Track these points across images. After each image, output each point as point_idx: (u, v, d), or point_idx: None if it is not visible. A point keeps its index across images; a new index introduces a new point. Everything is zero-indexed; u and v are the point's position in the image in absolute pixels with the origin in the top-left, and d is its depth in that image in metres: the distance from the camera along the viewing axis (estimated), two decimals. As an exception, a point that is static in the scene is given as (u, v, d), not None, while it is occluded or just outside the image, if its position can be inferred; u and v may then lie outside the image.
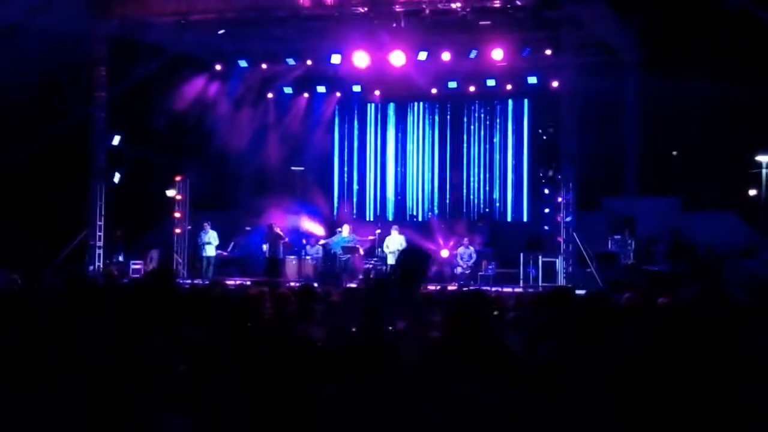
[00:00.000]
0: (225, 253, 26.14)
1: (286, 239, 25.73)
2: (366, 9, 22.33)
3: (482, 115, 28.82)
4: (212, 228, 25.71)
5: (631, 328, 7.41)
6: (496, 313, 8.98)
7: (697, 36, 23.95)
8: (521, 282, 22.75)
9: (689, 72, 23.87)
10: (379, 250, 25.23)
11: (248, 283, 16.81)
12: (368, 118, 30.08)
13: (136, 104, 25.96)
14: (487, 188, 28.59)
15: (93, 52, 24.48)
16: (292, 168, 28.98)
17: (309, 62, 26.76)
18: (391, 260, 24.59)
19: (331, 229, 27.15)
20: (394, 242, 24.78)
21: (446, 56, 24.86)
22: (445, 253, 25.08)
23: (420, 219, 28.15)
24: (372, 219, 28.76)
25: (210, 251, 25.49)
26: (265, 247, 25.33)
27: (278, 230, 25.59)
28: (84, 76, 25.93)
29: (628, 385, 4.62)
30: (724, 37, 23.79)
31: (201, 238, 25.55)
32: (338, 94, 29.76)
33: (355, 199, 30.04)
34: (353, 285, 20.47)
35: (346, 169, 30.18)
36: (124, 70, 26.08)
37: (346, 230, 25.75)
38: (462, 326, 5.72)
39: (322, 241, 26.20)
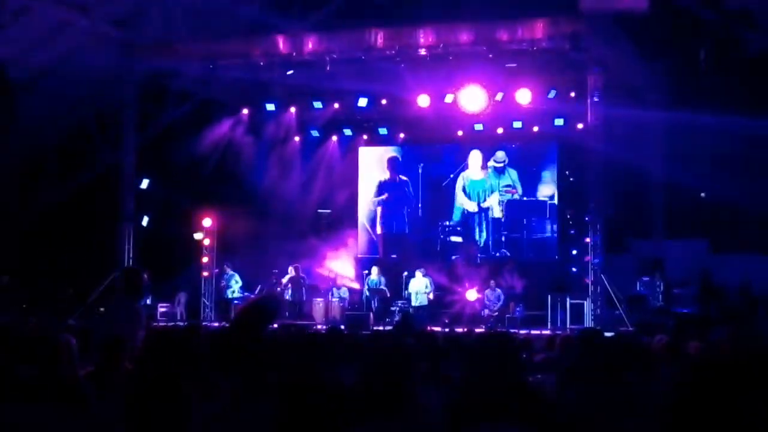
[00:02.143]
0: (252, 297, 26.16)
1: (306, 282, 25.84)
2: (392, 52, 22.47)
3: (509, 157, 28.75)
4: (235, 270, 25.82)
5: (663, 371, 7.36)
6: (524, 355, 8.95)
7: (723, 77, 23.96)
8: (549, 324, 22.63)
9: (716, 113, 23.84)
10: (406, 292, 25.20)
11: (275, 326, 16.78)
12: (396, 159, 30.07)
13: (165, 148, 26.19)
14: (512, 229, 28.45)
15: (123, 97, 24.72)
16: (319, 210, 29.04)
17: (336, 105, 26.97)
18: (415, 302, 24.60)
19: (359, 271, 27.17)
20: (419, 284, 24.78)
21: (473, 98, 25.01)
22: (471, 295, 24.98)
23: (446, 259, 27.98)
24: (396, 260, 28.66)
25: (232, 293, 25.56)
26: (285, 289, 25.38)
27: (301, 273, 25.69)
28: (114, 120, 26.19)
29: (660, 429, 4.57)
30: (751, 78, 23.78)
31: (223, 280, 25.68)
32: (365, 137, 29.86)
33: (376, 240, 29.96)
34: (380, 327, 20.45)
35: (370, 210, 30.12)
36: (153, 115, 26.35)
37: (374, 272, 25.77)
38: (489, 369, 5.69)
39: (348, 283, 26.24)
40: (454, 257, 27.60)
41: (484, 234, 28.50)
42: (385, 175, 29.85)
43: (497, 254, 27.62)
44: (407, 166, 29.76)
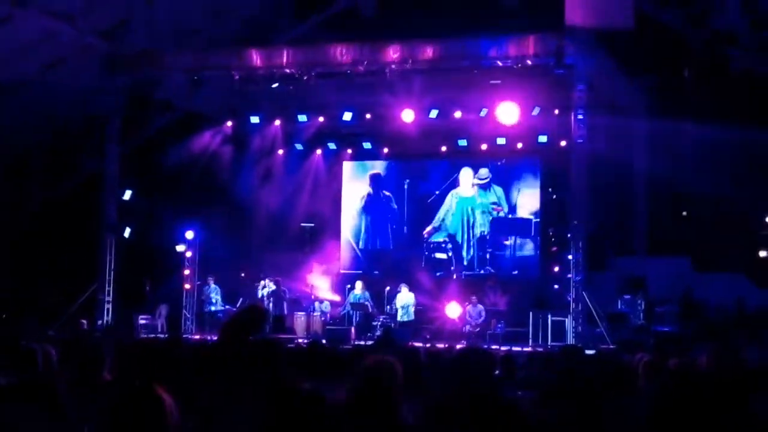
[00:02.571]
0: (234, 309, 26.05)
1: (287, 295, 25.81)
2: (378, 66, 22.50)
3: (495, 174, 28.73)
4: (216, 282, 25.77)
5: (643, 389, 7.36)
6: (497, 372, 8.93)
7: (707, 94, 24.09)
8: (530, 341, 22.62)
9: (700, 131, 23.97)
10: (389, 307, 25.16)
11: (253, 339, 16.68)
12: (379, 175, 30.02)
13: (148, 159, 26.13)
14: (496, 246, 28.44)
15: (107, 107, 24.65)
16: (302, 224, 28.98)
17: (321, 119, 26.99)
18: (401, 317, 24.58)
19: (342, 285, 27.13)
20: (404, 299, 24.76)
21: (457, 114, 25.12)
22: (452, 311, 24.99)
23: (430, 276, 27.89)
24: (378, 275, 28.56)
25: (212, 306, 25.50)
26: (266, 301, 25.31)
27: (282, 287, 25.65)
28: (97, 130, 26.12)
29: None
30: (735, 98, 23.92)
31: (204, 292, 25.62)
32: (349, 151, 29.83)
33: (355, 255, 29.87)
34: (361, 342, 20.41)
35: (354, 224, 30.04)
36: (136, 125, 26.30)
37: (358, 287, 25.72)
38: (468, 385, 5.69)
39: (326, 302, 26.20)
40: (438, 274, 27.58)
41: (472, 251, 28.43)
42: (369, 190, 29.77)
43: (482, 271, 27.55)
44: (393, 181, 29.71)
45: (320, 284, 27.41)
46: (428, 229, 28.76)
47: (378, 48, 22.44)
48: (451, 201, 28.74)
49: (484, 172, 28.46)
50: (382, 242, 29.60)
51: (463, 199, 28.63)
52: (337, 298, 27.06)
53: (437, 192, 28.88)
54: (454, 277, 26.62)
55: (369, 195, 29.81)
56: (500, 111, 23.49)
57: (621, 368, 7.91)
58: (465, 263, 28.34)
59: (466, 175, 28.62)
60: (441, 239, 28.66)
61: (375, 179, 29.86)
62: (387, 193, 29.68)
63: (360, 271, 28.10)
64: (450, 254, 28.44)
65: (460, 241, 28.57)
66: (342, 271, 28.86)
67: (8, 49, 23.90)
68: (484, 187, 28.49)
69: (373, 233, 29.67)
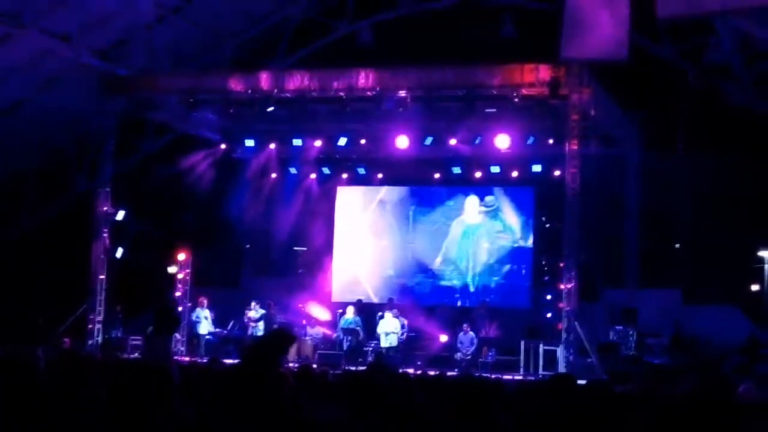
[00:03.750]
0: (225, 332, 26.02)
1: (279, 319, 25.75)
2: (374, 93, 22.56)
3: (486, 200, 28.75)
4: (209, 305, 25.72)
5: (633, 420, 7.35)
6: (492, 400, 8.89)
7: (702, 128, 24.19)
8: (521, 370, 22.59)
9: (691, 166, 24.07)
10: (377, 333, 25.15)
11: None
12: (372, 201, 30.01)
13: (142, 180, 26.13)
14: (488, 274, 28.45)
15: (101, 128, 24.65)
16: (295, 248, 28.94)
17: (316, 143, 27.05)
18: (384, 343, 24.55)
19: (333, 310, 27.07)
20: (389, 325, 24.75)
21: (452, 142, 25.22)
22: (443, 338, 25.04)
23: (419, 303, 27.82)
24: (369, 301, 28.46)
25: (202, 329, 25.43)
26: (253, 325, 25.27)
27: (273, 310, 25.61)
28: (91, 151, 26.13)
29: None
30: (727, 132, 24.02)
31: (194, 315, 25.57)
32: (344, 176, 29.78)
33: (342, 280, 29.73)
34: (352, 368, 20.35)
35: (346, 250, 29.99)
36: (130, 146, 26.33)
37: (350, 312, 25.68)
38: (459, 412, 5.69)
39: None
40: (442, 302, 27.50)
41: (477, 278, 28.39)
42: (374, 216, 29.64)
43: (487, 300, 27.43)
44: (395, 208, 29.67)
45: (312, 309, 27.33)
46: (438, 259, 28.70)
47: (374, 75, 22.49)
48: (456, 228, 28.68)
49: (490, 199, 28.46)
50: (388, 269, 29.48)
51: (468, 226, 28.56)
52: (327, 321, 26.96)
53: (442, 219, 28.81)
54: (458, 304, 26.46)
55: (377, 221, 29.70)
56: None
57: (612, 399, 7.89)
58: (471, 290, 28.27)
59: (471, 202, 28.57)
60: (446, 267, 28.61)
61: (382, 205, 29.82)
62: (381, 218, 29.67)
63: (361, 298, 27.82)
64: (455, 281, 28.41)
65: (465, 270, 28.49)
66: (335, 301, 28.50)
67: (4, 69, 23.95)
68: (491, 215, 28.47)
69: (381, 259, 29.57)
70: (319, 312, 26.94)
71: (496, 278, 28.17)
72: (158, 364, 8.48)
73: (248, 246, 29.48)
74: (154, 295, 27.12)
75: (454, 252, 28.66)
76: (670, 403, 7.58)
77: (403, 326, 24.89)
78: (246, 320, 25.51)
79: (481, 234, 28.44)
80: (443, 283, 28.54)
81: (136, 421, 4.80)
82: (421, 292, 28.22)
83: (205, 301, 25.82)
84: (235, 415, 5.96)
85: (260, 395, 5.93)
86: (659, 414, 6.45)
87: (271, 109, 23.50)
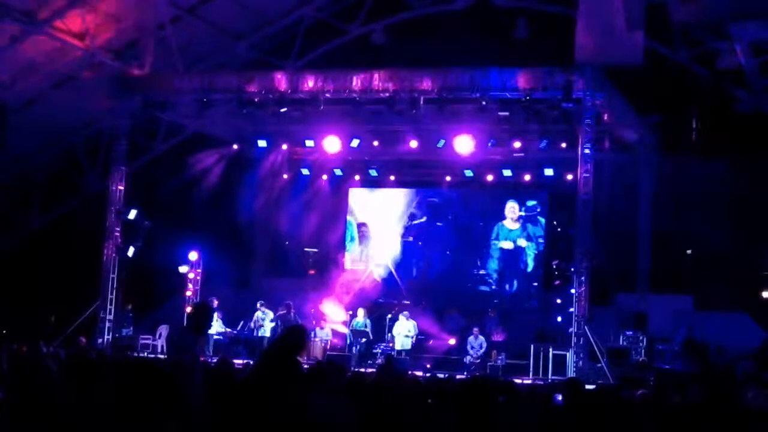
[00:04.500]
0: (234, 332, 26.02)
1: (296, 320, 25.74)
2: (387, 94, 22.54)
3: (497, 204, 28.73)
4: (219, 305, 25.73)
5: (642, 425, 7.34)
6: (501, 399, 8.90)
7: (714, 133, 24.13)
8: (531, 374, 22.54)
9: (704, 171, 24.00)
10: (389, 335, 25.11)
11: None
12: (383, 203, 30.02)
13: (154, 179, 26.17)
14: (499, 277, 28.43)
15: (114, 127, 24.67)
16: (306, 249, 28.92)
17: (327, 144, 27.02)
18: (398, 345, 24.52)
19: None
20: (404, 327, 24.72)
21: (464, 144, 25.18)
22: (452, 341, 25.04)
23: (430, 305, 27.77)
24: (382, 303, 28.43)
25: (212, 328, 25.42)
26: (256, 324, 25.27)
27: (292, 311, 25.61)
28: (103, 149, 26.20)
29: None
30: (740, 138, 23.96)
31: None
32: (357, 177, 29.76)
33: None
34: (362, 369, 20.34)
35: (357, 252, 29.99)
36: (143, 145, 26.39)
37: (360, 314, 25.66)
38: (473, 413, 5.68)
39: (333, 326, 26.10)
40: (479, 307, 27.44)
41: (515, 284, 28.31)
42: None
43: (527, 305, 27.34)
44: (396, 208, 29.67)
45: (326, 310, 27.30)
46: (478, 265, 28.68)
47: (388, 77, 22.48)
48: (496, 233, 28.60)
49: (532, 204, 28.42)
50: (431, 271, 29.43)
51: (507, 231, 28.47)
52: (341, 326, 26.92)
53: (481, 224, 28.73)
54: (490, 313, 26.35)
55: (374, 221, 29.72)
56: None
57: (622, 404, 7.89)
58: (508, 297, 28.22)
59: (510, 208, 28.45)
60: (484, 272, 28.55)
61: (380, 205, 29.83)
62: (393, 220, 29.67)
63: (395, 301, 27.69)
64: (493, 287, 28.34)
65: (503, 275, 28.43)
66: (380, 300, 28.31)
67: (19, 67, 24.03)
68: (531, 221, 28.44)
69: (418, 262, 29.49)
70: (335, 312, 26.91)
71: (535, 284, 28.10)
72: (183, 362, 8.51)
73: (259, 246, 29.45)
74: (168, 294, 27.20)
75: (496, 257, 28.56)
76: (679, 409, 7.57)
77: (414, 328, 24.87)
78: (254, 320, 25.51)
79: (518, 239, 28.33)
80: (482, 288, 28.43)
81: (146, 419, 4.80)
82: (461, 296, 28.08)
83: (216, 302, 25.83)
84: (254, 415, 5.95)
85: (279, 395, 5.92)
86: (669, 420, 6.45)
87: (284, 110, 23.48)
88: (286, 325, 24.92)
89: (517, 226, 28.34)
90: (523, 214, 28.36)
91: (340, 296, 27.39)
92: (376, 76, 22.58)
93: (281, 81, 23.33)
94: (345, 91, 22.80)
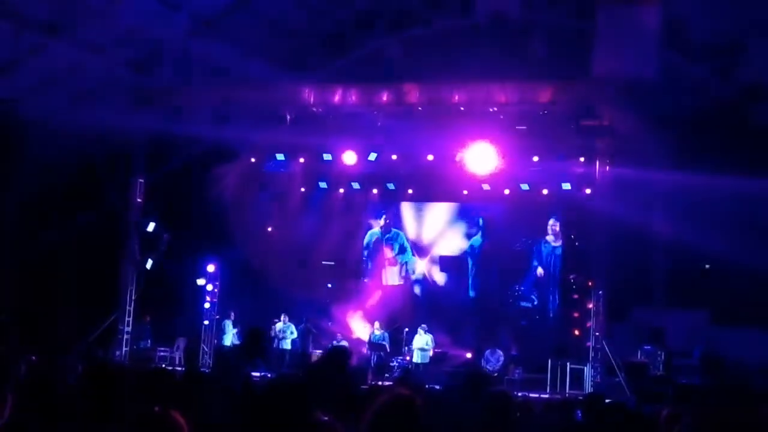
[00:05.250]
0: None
1: (314, 332, 25.85)
2: (404, 107, 22.59)
3: (513, 218, 28.72)
4: (236, 318, 25.82)
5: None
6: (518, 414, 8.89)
7: (731, 148, 24.06)
8: (548, 388, 22.50)
9: (722, 185, 23.91)
10: (406, 348, 25.13)
11: (269, 376, 16.67)
12: (401, 216, 30.05)
13: (172, 191, 26.23)
14: (519, 291, 28.40)
15: (132, 140, 24.77)
16: (324, 262, 28.93)
17: (345, 158, 27.05)
18: (416, 359, 24.54)
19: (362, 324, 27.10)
20: (422, 341, 24.74)
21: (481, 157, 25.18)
22: (468, 355, 25.05)
23: (448, 320, 27.73)
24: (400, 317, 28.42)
25: (226, 341, 25.51)
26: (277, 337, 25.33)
27: (310, 325, 25.72)
28: (122, 161, 26.28)
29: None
30: (758, 153, 23.87)
31: (224, 325, 25.72)
32: (375, 191, 29.77)
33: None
34: (379, 383, 20.34)
35: (374, 266, 30.00)
36: (162, 158, 26.46)
37: (376, 327, 25.72)
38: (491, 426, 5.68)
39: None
40: (523, 323, 27.38)
41: (557, 301, 28.24)
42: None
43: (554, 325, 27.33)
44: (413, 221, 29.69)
45: (351, 324, 27.35)
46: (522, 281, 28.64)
47: (405, 91, 22.52)
48: (538, 249, 28.58)
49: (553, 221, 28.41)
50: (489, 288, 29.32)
51: (550, 248, 28.42)
52: (364, 338, 26.93)
53: (523, 239, 28.66)
54: (541, 325, 26.12)
55: (392, 234, 29.70)
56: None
57: (642, 420, 7.86)
58: (550, 314, 28.18)
59: (552, 224, 28.38)
60: (527, 288, 28.51)
61: (398, 218, 29.87)
62: (410, 233, 29.70)
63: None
64: (536, 303, 28.33)
65: (546, 291, 28.41)
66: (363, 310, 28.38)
67: (38, 81, 24.15)
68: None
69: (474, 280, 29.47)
70: (361, 326, 26.97)
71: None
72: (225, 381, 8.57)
73: (276, 259, 29.49)
74: (186, 307, 27.29)
75: (539, 271, 28.53)
76: (698, 425, 7.54)
77: (432, 342, 24.88)
78: (273, 333, 25.56)
79: (557, 255, 28.28)
80: (524, 304, 28.43)
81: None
82: (503, 314, 28.11)
83: (232, 314, 25.91)
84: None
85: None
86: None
87: (301, 124, 23.51)
88: (304, 338, 25.07)
89: (558, 243, 28.23)
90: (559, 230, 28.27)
91: (369, 310, 27.47)
92: (393, 89, 22.64)
93: (299, 95, 23.41)
94: (362, 104, 22.85)
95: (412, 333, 25.15)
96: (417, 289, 29.58)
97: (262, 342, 9.99)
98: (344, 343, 25.89)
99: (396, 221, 30.01)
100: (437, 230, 29.76)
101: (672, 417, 7.64)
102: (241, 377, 9.35)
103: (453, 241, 29.52)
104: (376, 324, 25.83)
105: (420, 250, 29.80)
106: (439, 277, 29.54)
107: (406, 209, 30.12)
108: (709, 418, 6.17)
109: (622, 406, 9.96)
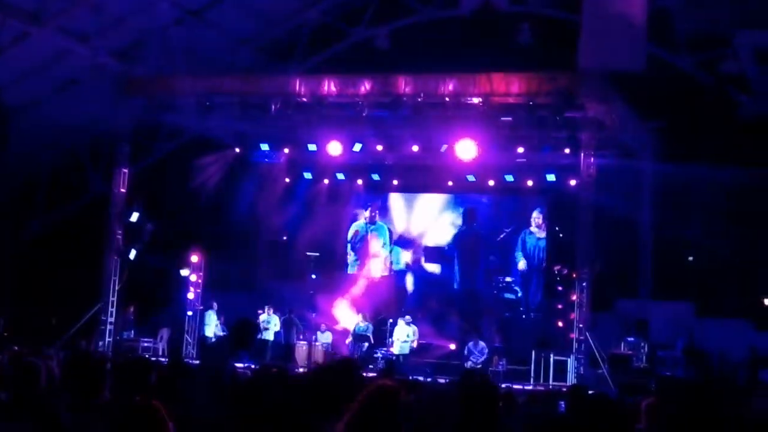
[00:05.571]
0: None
1: (298, 324, 25.82)
2: (390, 99, 22.52)
3: (498, 209, 28.77)
4: (219, 309, 25.74)
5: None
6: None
7: (716, 139, 24.11)
8: (532, 379, 22.54)
9: (706, 175, 23.96)
10: (390, 340, 25.12)
11: (253, 366, 16.62)
12: (387, 207, 30.04)
13: (156, 182, 26.14)
14: (503, 283, 28.42)
15: (117, 129, 24.63)
16: (308, 253, 28.87)
17: (329, 149, 26.98)
18: (396, 350, 24.54)
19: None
20: (402, 333, 24.73)
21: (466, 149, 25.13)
22: (452, 346, 25.07)
23: (432, 311, 27.71)
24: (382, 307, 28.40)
25: (208, 331, 25.41)
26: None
27: (294, 315, 25.68)
28: (105, 151, 26.17)
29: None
30: (743, 144, 23.93)
31: (206, 316, 25.62)
32: (360, 182, 29.73)
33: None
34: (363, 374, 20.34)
35: (359, 257, 29.99)
36: (145, 148, 26.36)
37: (360, 318, 25.71)
38: (474, 418, 5.67)
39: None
40: (506, 315, 27.40)
41: (539, 293, 28.25)
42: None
43: (493, 308, 27.38)
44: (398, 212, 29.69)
45: (337, 314, 27.31)
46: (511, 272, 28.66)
47: (391, 81, 22.47)
48: (522, 240, 28.58)
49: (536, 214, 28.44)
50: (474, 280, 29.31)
51: (534, 239, 28.42)
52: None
53: (506, 230, 28.68)
54: (523, 317, 26.23)
55: (376, 225, 29.70)
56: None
57: (624, 411, 7.86)
58: (532, 305, 28.18)
59: (536, 216, 28.39)
60: (510, 279, 28.52)
61: (383, 209, 29.88)
62: (395, 225, 29.72)
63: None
64: (519, 294, 28.33)
65: (529, 283, 28.41)
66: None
67: (21, 69, 24.03)
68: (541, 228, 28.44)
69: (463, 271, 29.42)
70: (347, 315, 26.93)
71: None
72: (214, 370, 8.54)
73: (261, 250, 29.45)
74: (170, 297, 27.21)
75: (521, 265, 28.55)
76: (681, 416, 7.56)
77: (414, 333, 24.85)
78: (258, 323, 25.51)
79: (542, 248, 28.33)
80: (507, 295, 28.44)
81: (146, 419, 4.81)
82: (488, 304, 28.06)
83: (215, 304, 25.83)
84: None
85: None
86: (670, 427, 6.43)
87: (287, 113, 23.40)
88: (288, 329, 25.05)
89: (543, 234, 28.27)
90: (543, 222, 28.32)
91: (355, 300, 27.45)
92: (379, 80, 22.58)
93: (283, 85, 23.33)
94: (348, 95, 22.77)
95: (396, 324, 25.14)
96: (402, 281, 29.60)
97: (253, 334, 9.93)
98: (328, 334, 25.94)
99: (383, 212, 29.99)
100: (427, 221, 29.76)
101: (653, 407, 7.65)
102: (229, 369, 9.33)
103: (441, 232, 29.54)
104: (360, 316, 25.81)
105: (406, 241, 29.79)
106: (425, 269, 29.56)
107: (395, 200, 30.10)
108: (693, 410, 6.19)
109: (605, 397, 9.97)
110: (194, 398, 7.95)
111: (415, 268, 29.64)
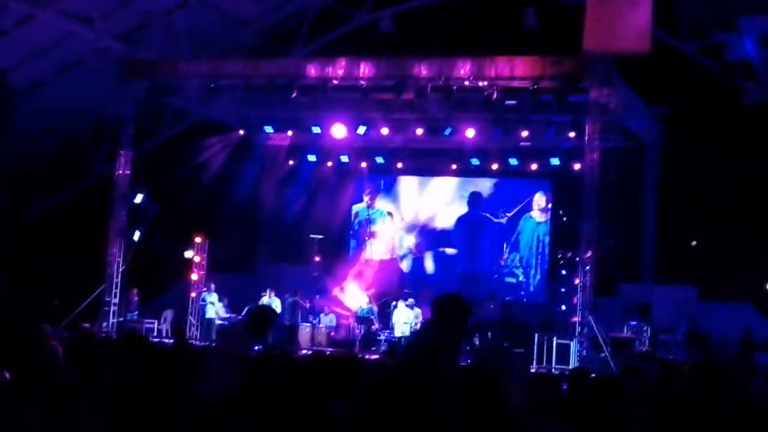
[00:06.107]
0: (239, 317, 26.02)
1: (304, 307, 25.88)
2: (393, 82, 22.50)
3: (503, 193, 28.78)
4: (224, 290, 25.74)
5: (645, 415, 7.35)
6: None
7: (719, 125, 24.08)
8: (534, 363, 22.55)
9: (710, 161, 23.96)
10: (392, 323, 25.18)
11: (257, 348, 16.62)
12: (391, 190, 30.06)
13: (160, 164, 26.17)
14: (504, 266, 28.44)
15: (120, 112, 24.63)
16: (311, 236, 28.89)
17: (334, 131, 26.96)
18: (399, 332, 24.57)
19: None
20: (402, 315, 24.77)
21: (470, 133, 25.13)
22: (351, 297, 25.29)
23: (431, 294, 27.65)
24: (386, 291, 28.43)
25: (210, 312, 25.39)
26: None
27: (300, 297, 25.72)
28: (109, 134, 26.18)
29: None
30: (747, 129, 23.90)
31: (201, 299, 25.58)
32: (363, 165, 29.73)
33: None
34: (366, 356, 20.37)
35: (360, 240, 30.03)
36: (149, 130, 26.37)
37: (364, 300, 25.77)
38: (476, 399, 5.69)
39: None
40: (507, 298, 27.44)
41: (538, 276, 28.30)
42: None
43: (495, 292, 27.41)
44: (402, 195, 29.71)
45: (344, 297, 27.33)
46: (505, 255, 28.66)
47: (395, 64, 22.44)
48: (522, 224, 28.59)
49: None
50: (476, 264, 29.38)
51: (534, 223, 28.43)
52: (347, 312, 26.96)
53: (508, 214, 28.70)
54: (489, 303, 26.33)
55: (465, 215, 29.68)
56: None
57: (625, 394, 7.89)
58: (532, 289, 28.24)
59: (539, 199, 28.41)
60: (512, 263, 28.50)
61: (387, 192, 29.90)
62: (399, 208, 29.74)
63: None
64: (521, 278, 28.32)
65: (529, 266, 28.43)
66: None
67: (25, 51, 24.00)
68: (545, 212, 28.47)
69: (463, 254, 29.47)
70: (356, 295, 26.94)
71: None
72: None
73: (264, 232, 29.48)
74: (174, 279, 27.23)
75: (522, 249, 28.55)
76: (681, 400, 7.58)
77: (417, 317, 24.85)
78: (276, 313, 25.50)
79: (544, 231, 28.34)
80: (509, 279, 28.46)
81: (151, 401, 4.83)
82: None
83: (213, 285, 25.82)
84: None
85: None
86: (670, 410, 6.45)
87: (293, 95, 23.36)
88: (292, 311, 25.08)
89: (544, 218, 28.29)
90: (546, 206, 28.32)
91: (357, 283, 27.48)
92: (383, 63, 22.54)
93: (287, 68, 23.32)
94: (352, 78, 22.74)
95: (396, 307, 25.20)
96: (405, 264, 29.65)
97: (271, 324, 9.93)
98: (332, 316, 25.96)
99: (392, 196, 30.00)
100: (436, 205, 29.76)
101: (652, 391, 7.69)
102: (250, 351, 9.35)
103: (448, 216, 29.55)
104: (364, 298, 25.86)
105: (411, 226, 29.81)
106: (428, 252, 29.59)
107: (405, 183, 30.10)
108: (696, 394, 6.20)
109: (607, 380, 10.00)
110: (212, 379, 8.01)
111: (408, 252, 29.65)
